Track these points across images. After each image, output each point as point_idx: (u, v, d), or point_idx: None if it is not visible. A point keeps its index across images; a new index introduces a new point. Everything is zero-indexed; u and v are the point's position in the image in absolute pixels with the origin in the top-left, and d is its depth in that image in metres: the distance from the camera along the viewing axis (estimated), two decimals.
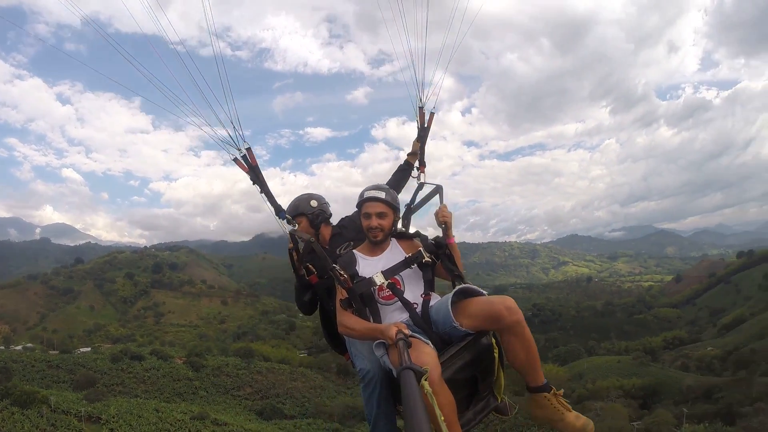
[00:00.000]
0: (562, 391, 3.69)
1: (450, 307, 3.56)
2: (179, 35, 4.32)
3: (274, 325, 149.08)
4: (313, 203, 4.80)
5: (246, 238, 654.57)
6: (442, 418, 2.43)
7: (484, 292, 3.67)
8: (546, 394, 3.62)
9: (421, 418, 1.86)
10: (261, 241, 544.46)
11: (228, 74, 4.26)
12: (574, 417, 3.55)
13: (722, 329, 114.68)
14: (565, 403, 3.61)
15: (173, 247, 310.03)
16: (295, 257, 4.40)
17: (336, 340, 4.58)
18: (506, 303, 3.44)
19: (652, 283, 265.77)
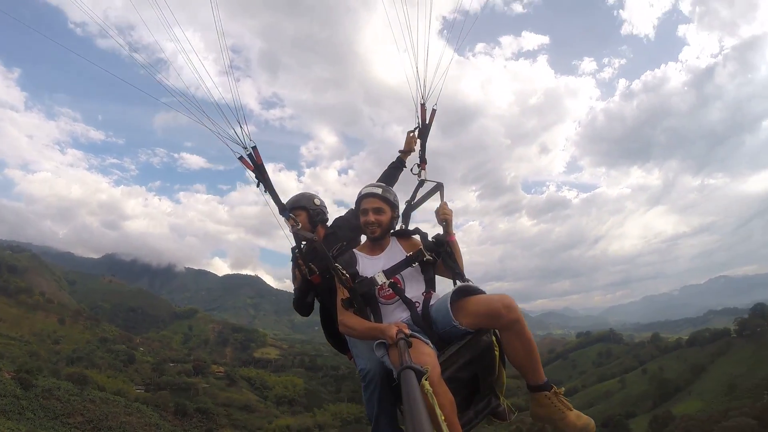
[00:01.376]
0: (562, 389, 3.65)
1: (449, 306, 3.56)
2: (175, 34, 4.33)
3: (113, 354, 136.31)
4: (316, 201, 4.85)
5: (95, 255, 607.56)
6: (443, 417, 2.43)
7: (484, 290, 3.67)
8: (547, 392, 3.58)
9: (422, 418, 1.86)
10: (110, 262, 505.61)
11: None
12: (575, 416, 3.51)
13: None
14: (566, 402, 3.58)
15: (16, 248, 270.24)
16: (298, 258, 4.39)
17: (337, 340, 4.56)
18: (505, 301, 3.44)
19: None
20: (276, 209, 4.45)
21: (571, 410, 3.52)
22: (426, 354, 3.17)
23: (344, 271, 3.79)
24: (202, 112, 4.28)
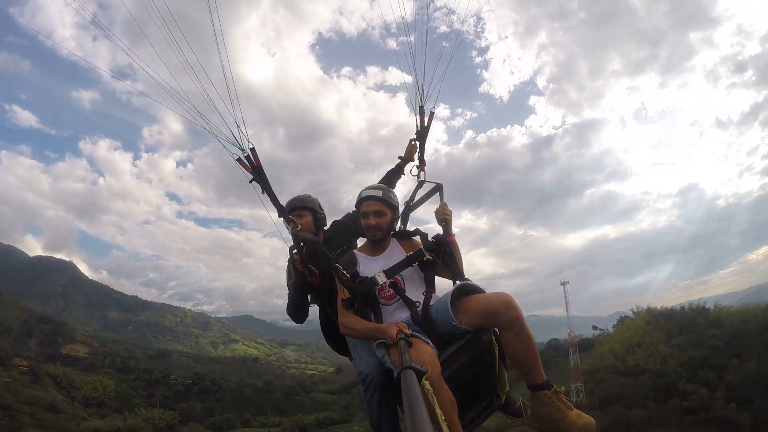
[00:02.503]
0: (563, 389, 3.62)
1: (449, 305, 3.56)
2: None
3: None
4: (320, 204, 4.84)
5: None
6: (443, 417, 2.39)
7: (483, 289, 3.68)
8: (547, 392, 3.55)
9: (422, 418, 1.85)
10: None
11: None
12: (575, 415, 3.48)
13: None
14: (566, 401, 3.55)
15: None
16: (297, 260, 4.31)
17: (337, 343, 4.57)
18: (504, 299, 3.45)
19: (315, 372, 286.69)
20: (278, 211, 4.44)
21: (572, 409, 3.51)
22: (426, 353, 3.18)
23: (345, 272, 3.81)
24: (198, 113, 4.27)
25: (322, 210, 4.87)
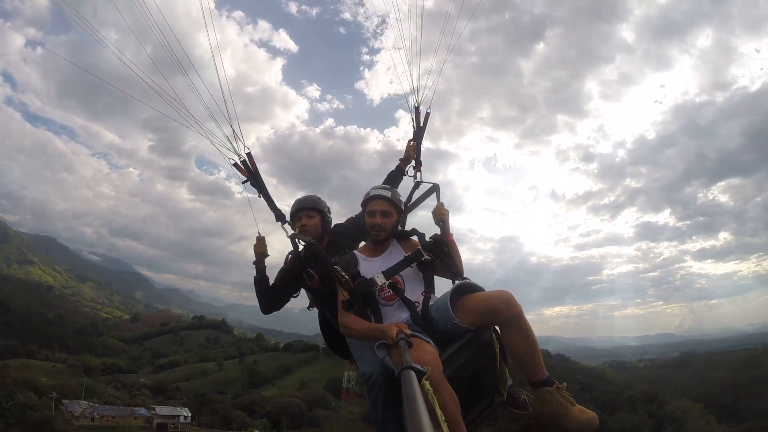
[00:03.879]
0: (564, 384, 3.56)
1: (449, 304, 3.57)
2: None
3: None
4: (329, 208, 4.83)
5: None
6: (443, 417, 2.35)
7: (482, 287, 3.70)
8: (549, 388, 3.50)
9: (421, 418, 1.82)
10: None
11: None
12: (578, 411, 3.42)
13: (158, 367, 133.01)
14: (568, 397, 3.49)
15: None
16: (289, 258, 4.44)
17: (338, 346, 4.54)
18: (504, 297, 3.46)
19: (110, 316, 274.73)
20: (275, 215, 4.52)
21: (574, 405, 3.46)
22: (427, 352, 3.19)
23: (344, 273, 3.83)
24: (194, 119, 4.33)
25: (330, 213, 4.84)
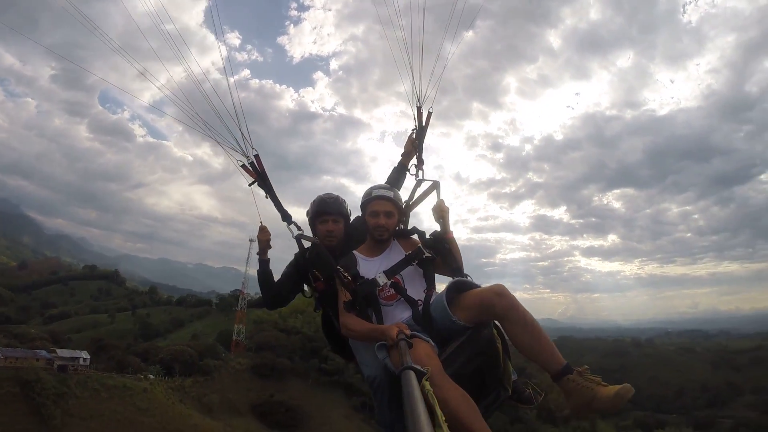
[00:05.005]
0: (586, 367, 3.32)
1: (446, 303, 3.55)
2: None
3: None
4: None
5: None
6: (443, 417, 2.29)
7: (479, 284, 3.67)
8: (570, 375, 3.27)
9: (421, 419, 1.84)
10: None
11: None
12: (606, 390, 3.12)
13: (48, 318, 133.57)
14: (594, 379, 3.23)
15: None
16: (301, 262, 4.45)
17: (340, 347, 4.56)
18: (496, 289, 3.41)
19: None
20: (282, 216, 4.52)
21: (603, 385, 3.18)
22: (423, 350, 3.19)
23: (346, 274, 3.83)
24: (204, 121, 4.39)
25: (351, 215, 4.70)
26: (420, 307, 3.82)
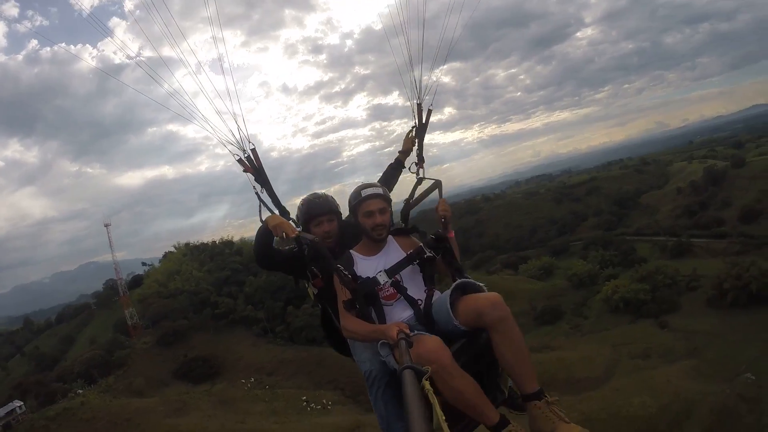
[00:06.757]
0: (557, 399, 3.31)
1: (449, 306, 3.51)
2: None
3: None
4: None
5: None
6: (443, 417, 2.31)
7: (482, 285, 3.68)
8: (537, 402, 3.25)
9: (419, 418, 1.84)
10: None
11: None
12: (567, 428, 3.07)
13: None
14: (558, 412, 3.18)
15: None
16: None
17: (338, 342, 4.51)
18: (491, 299, 3.37)
19: None
20: (279, 212, 4.43)
21: (566, 422, 3.10)
22: (430, 345, 3.14)
23: (347, 272, 3.78)
24: (200, 114, 4.34)
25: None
26: (421, 306, 3.82)
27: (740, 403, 33.59)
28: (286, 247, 4.53)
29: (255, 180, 4.49)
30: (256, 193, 4.50)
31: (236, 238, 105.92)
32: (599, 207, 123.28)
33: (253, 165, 4.51)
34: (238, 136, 4.47)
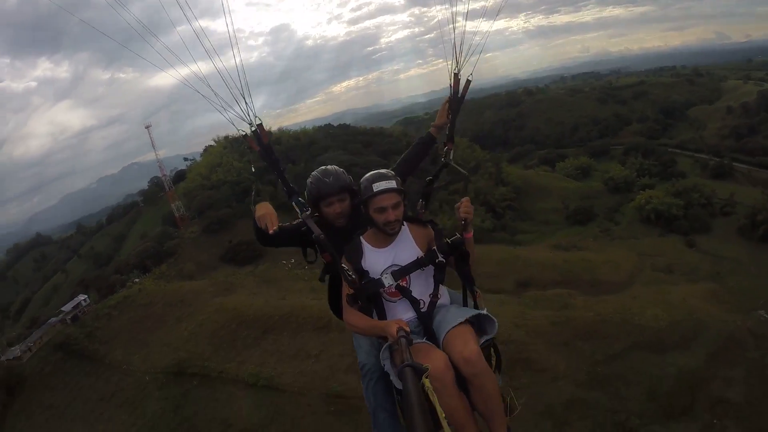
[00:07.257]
0: None
1: (443, 335, 3.50)
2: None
3: None
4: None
5: None
6: (443, 415, 2.37)
7: (487, 314, 3.70)
8: None
9: (419, 416, 1.86)
10: None
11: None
12: None
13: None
14: None
15: None
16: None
17: (339, 310, 4.33)
18: (465, 354, 3.32)
19: None
20: (287, 191, 4.16)
21: None
22: (441, 361, 3.23)
23: (351, 272, 3.72)
24: (209, 86, 4.02)
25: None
26: (423, 309, 3.79)
27: (749, 337, 33.53)
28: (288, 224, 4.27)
29: (262, 158, 4.09)
30: (253, 175, 3.44)
31: (274, 128, 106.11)
32: (644, 113, 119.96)
33: (261, 143, 4.07)
34: (244, 109, 4.05)
